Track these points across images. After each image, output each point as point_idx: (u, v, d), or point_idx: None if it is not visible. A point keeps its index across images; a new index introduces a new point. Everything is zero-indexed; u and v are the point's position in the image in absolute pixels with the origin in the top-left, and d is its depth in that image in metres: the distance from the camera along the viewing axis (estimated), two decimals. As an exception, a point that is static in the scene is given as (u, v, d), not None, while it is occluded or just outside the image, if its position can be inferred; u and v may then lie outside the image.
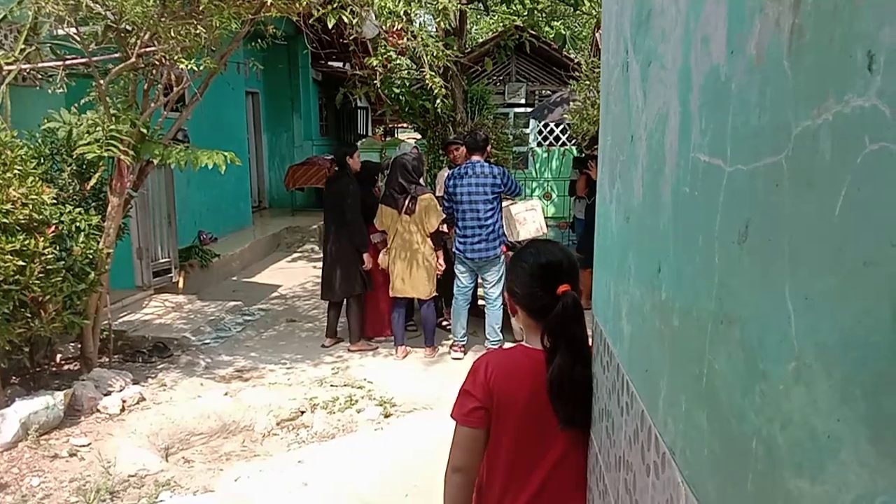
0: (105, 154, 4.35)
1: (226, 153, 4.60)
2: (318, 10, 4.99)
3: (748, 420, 0.66)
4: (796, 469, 0.57)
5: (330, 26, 5.50)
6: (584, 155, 6.77)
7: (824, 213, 0.52)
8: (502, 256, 5.44)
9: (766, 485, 0.63)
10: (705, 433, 0.79)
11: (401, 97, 9.17)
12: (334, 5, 5.00)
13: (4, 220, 3.69)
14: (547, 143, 11.69)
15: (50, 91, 4.52)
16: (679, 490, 0.87)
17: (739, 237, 0.69)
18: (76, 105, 4.70)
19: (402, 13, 5.35)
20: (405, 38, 5.84)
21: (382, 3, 5.17)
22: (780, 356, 0.60)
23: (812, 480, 0.54)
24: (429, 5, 6.89)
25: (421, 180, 5.72)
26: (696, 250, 0.83)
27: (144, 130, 4.60)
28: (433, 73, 5.72)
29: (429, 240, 5.44)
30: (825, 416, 0.52)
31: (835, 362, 0.51)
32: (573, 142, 10.73)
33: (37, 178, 4.00)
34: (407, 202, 5.36)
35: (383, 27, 5.75)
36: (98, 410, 4.24)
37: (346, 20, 5.05)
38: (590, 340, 1.64)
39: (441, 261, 5.52)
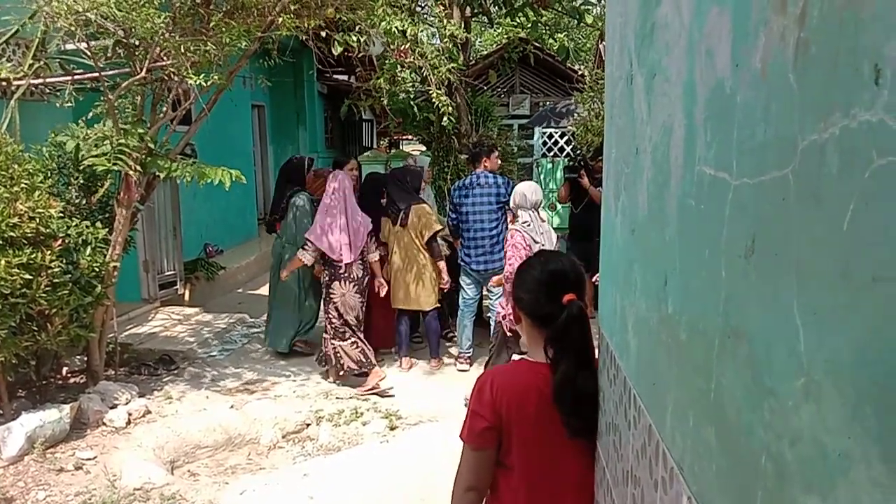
0: (114, 168, 4.37)
1: (232, 171, 4.61)
2: (326, 31, 5.03)
3: (757, 436, 0.65)
4: (806, 487, 0.56)
5: (336, 54, 5.53)
6: (574, 163, 6.76)
7: (832, 227, 0.52)
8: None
9: (776, 502, 0.62)
10: (713, 449, 0.78)
11: (406, 109, 9.19)
12: (341, 23, 5.03)
13: (11, 234, 3.70)
14: (552, 153, 11.70)
15: (58, 105, 4.55)
16: (687, 506, 0.86)
17: (746, 251, 0.68)
18: (83, 119, 4.74)
19: (408, 34, 5.38)
20: (411, 57, 5.87)
21: (388, 27, 5.19)
22: (789, 372, 0.59)
23: (823, 499, 0.54)
24: (431, 21, 6.92)
25: (423, 193, 5.72)
26: (702, 264, 0.83)
27: (152, 145, 4.63)
28: (439, 92, 5.74)
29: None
30: (836, 434, 0.52)
31: (846, 379, 0.50)
32: (577, 152, 10.76)
33: (44, 192, 4.02)
34: (401, 214, 5.37)
35: (389, 46, 5.79)
36: (104, 423, 4.23)
37: (352, 44, 5.08)
38: (596, 352, 1.64)
39: (444, 274, 5.49)
